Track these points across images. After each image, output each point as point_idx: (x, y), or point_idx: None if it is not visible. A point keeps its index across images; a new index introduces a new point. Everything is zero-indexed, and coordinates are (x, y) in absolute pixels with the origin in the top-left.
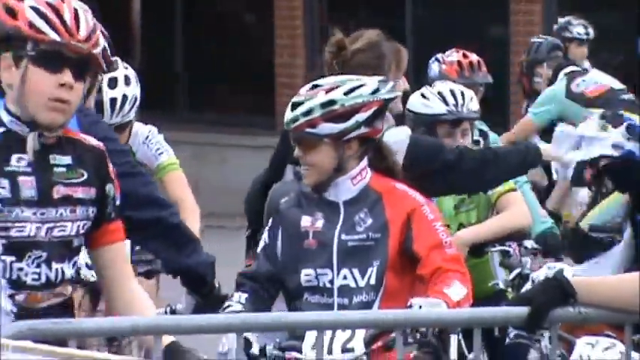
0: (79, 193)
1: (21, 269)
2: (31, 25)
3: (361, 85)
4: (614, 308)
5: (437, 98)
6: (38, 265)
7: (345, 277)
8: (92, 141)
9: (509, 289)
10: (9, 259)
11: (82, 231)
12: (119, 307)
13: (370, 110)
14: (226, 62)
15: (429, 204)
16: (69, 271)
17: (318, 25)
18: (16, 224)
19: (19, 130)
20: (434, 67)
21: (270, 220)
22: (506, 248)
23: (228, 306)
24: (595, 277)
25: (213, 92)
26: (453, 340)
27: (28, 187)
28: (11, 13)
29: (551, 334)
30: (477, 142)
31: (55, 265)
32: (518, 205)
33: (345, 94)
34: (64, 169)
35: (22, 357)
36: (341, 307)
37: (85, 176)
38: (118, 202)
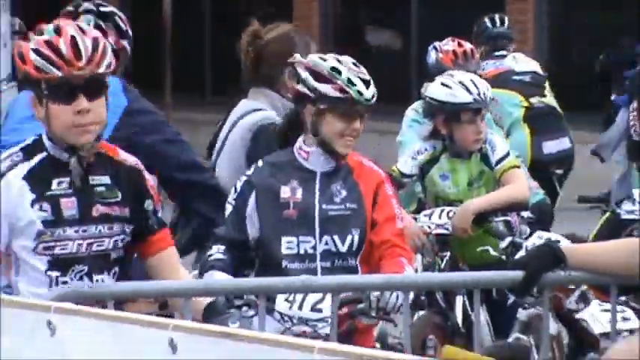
0: (116, 211)
1: (65, 282)
2: (36, 67)
3: None
4: (599, 272)
5: (461, 87)
6: (81, 278)
7: (326, 243)
8: (129, 160)
9: (503, 257)
10: (54, 274)
11: (119, 245)
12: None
13: None
14: None
15: (389, 180)
16: (109, 281)
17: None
18: (59, 243)
19: (58, 156)
20: (432, 55)
21: (240, 187)
22: (508, 218)
23: (210, 255)
24: (584, 245)
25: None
26: (459, 300)
27: (69, 207)
28: (22, 58)
29: (543, 297)
30: None
31: (95, 277)
32: (520, 180)
33: None
34: (103, 189)
35: (66, 319)
36: (324, 270)
37: (120, 196)
38: (159, 214)
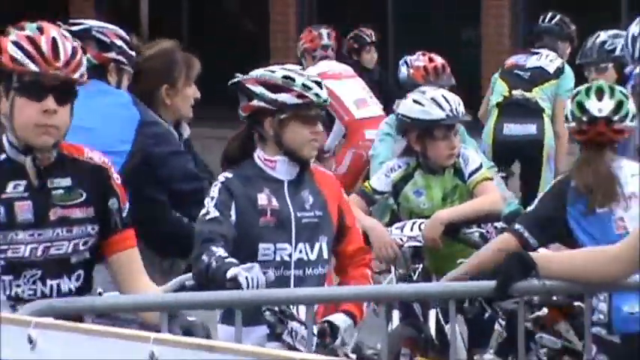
0: (77, 213)
1: (18, 286)
2: (13, 59)
3: None
4: (571, 279)
5: (433, 104)
6: (34, 283)
7: (300, 251)
8: (95, 158)
9: None
10: (7, 278)
11: (80, 248)
12: None
13: None
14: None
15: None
16: (68, 286)
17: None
18: (11, 246)
19: (16, 158)
20: (403, 71)
21: (218, 191)
22: (482, 230)
23: (220, 256)
24: (558, 253)
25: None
26: (432, 313)
27: (24, 210)
28: None
29: (518, 306)
30: None
31: (49, 282)
32: (492, 192)
33: None
34: (62, 192)
35: (46, 333)
36: (297, 278)
37: (84, 197)
38: (125, 213)
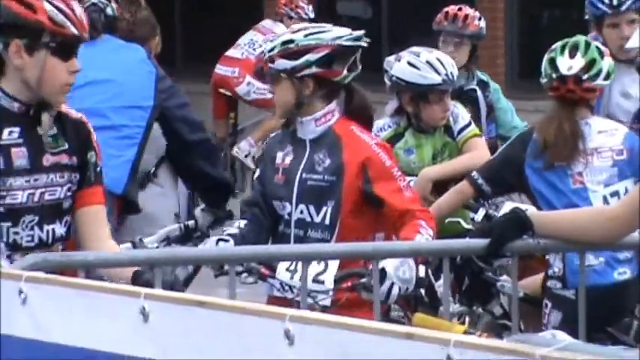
0: (65, 160)
1: (17, 233)
2: (52, 19)
3: (324, 31)
4: (567, 239)
5: (429, 68)
6: (32, 228)
7: (301, 212)
8: (72, 113)
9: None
10: (5, 224)
11: (69, 193)
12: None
13: (322, 52)
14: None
15: (386, 150)
16: (60, 231)
17: None
18: (10, 193)
19: (7, 106)
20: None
21: (261, 153)
22: (487, 209)
23: (225, 230)
24: (553, 212)
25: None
26: (421, 270)
27: (20, 157)
28: (30, 7)
29: (511, 265)
30: (474, 91)
31: (46, 227)
32: (480, 148)
33: (305, 36)
34: (50, 139)
35: (37, 287)
36: (297, 238)
37: (67, 145)
38: (98, 169)
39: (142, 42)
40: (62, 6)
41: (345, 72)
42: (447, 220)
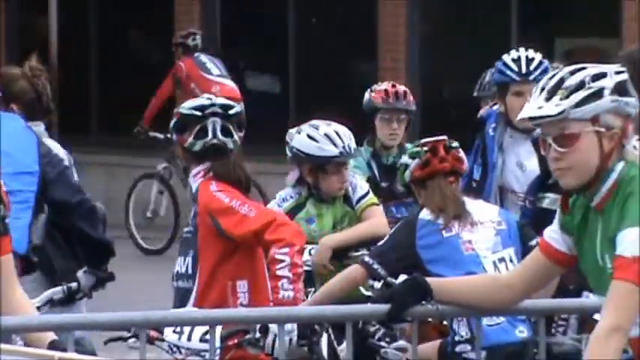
0: None
1: None
2: None
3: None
4: (465, 305)
5: (327, 141)
6: None
7: (180, 265)
8: None
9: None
10: None
11: None
12: (8, 312)
13: (175, 119)
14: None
15: (207, 184)
16: None
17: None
18: None
19: None
20: (365, 95)
21: None
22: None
23: None
24: (451, 279)
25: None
26: (324, 336)
27: None
28: None
29: (413, 330)
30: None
31: None
32: (378, 216)
33: None
34: None
35: None
36: (176, 290)
37: None
38: (7, 220)
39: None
40: None
41: (190, 139)
42: None
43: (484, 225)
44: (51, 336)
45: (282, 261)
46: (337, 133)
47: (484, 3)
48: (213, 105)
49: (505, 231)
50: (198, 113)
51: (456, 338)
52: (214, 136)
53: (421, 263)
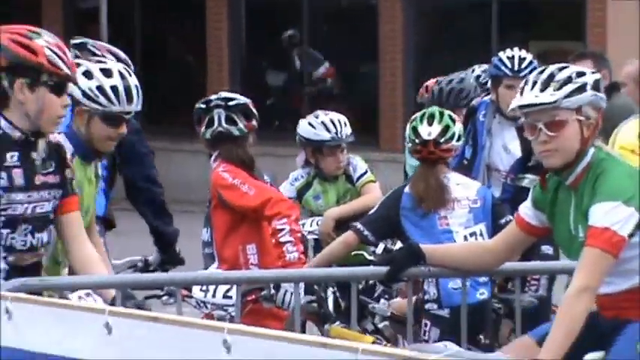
0: (51, 179)
1: (13, 238)
2: (51, 62)
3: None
4: (453, 267)
5: (322, 127)
6: (26, 235)
7: (204, 234)
8: (53, 139)
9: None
10: (5, 231)
11: (53, 207)
12: (76, 266)
13: None
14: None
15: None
16: (46, 238)
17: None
18: (12, 205)
19: (10, 133)
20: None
21: None
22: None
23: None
24: (442, 245)
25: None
26: (330, 292)
27: (18, 176)
28: (32, 51)
29: (408, 288)
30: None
31: (37, 235)
32: (374, 191)
33: None
34: (40, 162)
35: (20, 306)
36: (203, 255)
37: (53, 167)
38: (74, 182)
39: None
40: (57, 50)
41: (202, 129)
42: (352, 253)
43: (460, 203)
44: (112, 292)
45: (282, 229)
46: (332, 121)
47: (468, 11)
48: (217, 98)
49: (479, 208)
50: (204, 106)
51: (425, 297)
52: (219, 124)
53: (403, 231)
